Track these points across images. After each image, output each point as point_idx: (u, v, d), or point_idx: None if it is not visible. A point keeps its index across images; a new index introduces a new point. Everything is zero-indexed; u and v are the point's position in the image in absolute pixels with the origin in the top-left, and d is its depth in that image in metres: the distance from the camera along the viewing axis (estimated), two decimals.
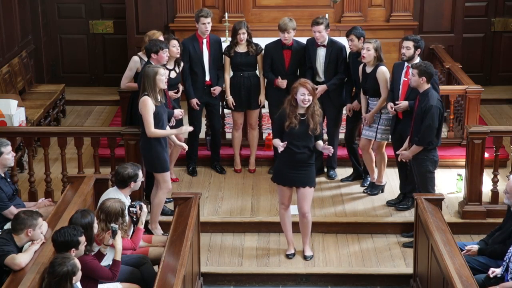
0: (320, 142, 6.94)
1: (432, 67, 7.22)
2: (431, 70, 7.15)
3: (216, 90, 8.60)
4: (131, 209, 6.24)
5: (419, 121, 7.17)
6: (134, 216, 6.25)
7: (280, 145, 6.84)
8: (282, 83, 8.41)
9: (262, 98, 8.68)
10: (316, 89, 6.86)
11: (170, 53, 7.83)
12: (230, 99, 8.60)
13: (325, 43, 8.35)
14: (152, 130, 7.05)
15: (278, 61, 8.49)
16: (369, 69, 7.93)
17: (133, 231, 6.38)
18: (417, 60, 7.68)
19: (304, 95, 6.74)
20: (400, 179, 8.10)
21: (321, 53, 8.37)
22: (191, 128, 7.78)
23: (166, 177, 7.30)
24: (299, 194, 7.04)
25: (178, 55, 8.15)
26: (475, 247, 6.29)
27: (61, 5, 11.97)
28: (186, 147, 7.66)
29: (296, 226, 7.29)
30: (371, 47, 7.81)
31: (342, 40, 8.66)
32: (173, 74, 8.09)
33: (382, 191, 8.37)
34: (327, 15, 10.43)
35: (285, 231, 7.30)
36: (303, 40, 8.64)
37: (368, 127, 8.09)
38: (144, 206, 6.35)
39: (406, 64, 7.71)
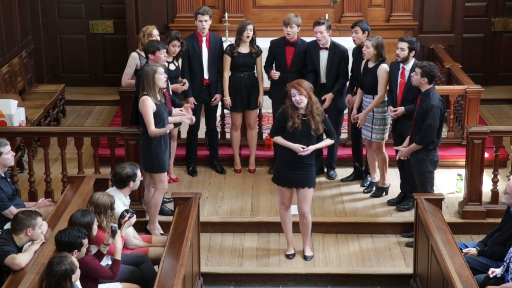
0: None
1: (436, 69, 7.20)
2: (434, 73, 7.13)
3: (217, 100, 8.61)
4: (124, 213, 6.12)
5: (420, 121, 7.16)
6: (122, 221, 6.14)
7: (296, 148, 6.78)
8: (275, 74, 8.41)
9: (261, 99, 8.66)
10: (312, 88, 6.79)
11: (168, 51, 7.86)
12: (227, 99, 8.59)
13: (327, 45, 8.33)
14: (152, 129, 7.04)
15: (280, 57, 8.47)
16: (371, 65, 7.94)
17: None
18: (411, 62, 7.65)
19: (295, 96, 6.67)
20: (401, 178, 8.09)
21: (323, 56, 8.33)
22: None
23: (163, 177, 7.29)
24: (299, 194, 7.03)
25: (175, 54, 8.16)
26: (473, 250, 6.29)
27: (61, 5, 11.97)
28: (193, 118, 7.64)
29: (296, 226, 7.28)
30: (370, 45, 7.81)
31: (344, 42, 8.63)
32: (172, 67, 8.09)
33: (386, 193, 8.30)
34: (327, 15, 10.46)
35: (286, 231, 7.29)
36: (304, 40, 8.63)
37: (365, 126, 8.09)
38: (134, 218, 6.16)
39: (401, 65, 7.71)
